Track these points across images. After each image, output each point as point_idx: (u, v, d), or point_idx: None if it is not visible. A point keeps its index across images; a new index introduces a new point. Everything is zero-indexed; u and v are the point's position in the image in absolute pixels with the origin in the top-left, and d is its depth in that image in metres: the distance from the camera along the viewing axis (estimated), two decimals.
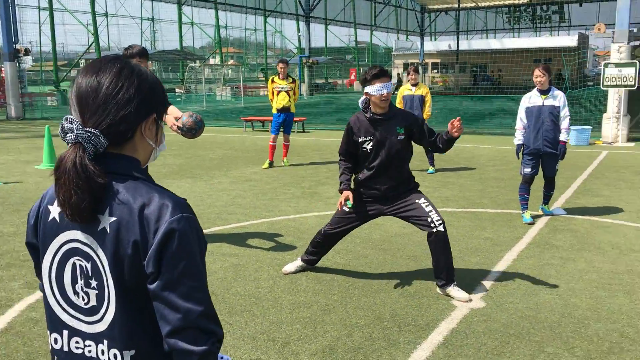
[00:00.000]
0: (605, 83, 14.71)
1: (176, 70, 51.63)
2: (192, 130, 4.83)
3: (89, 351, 1.48)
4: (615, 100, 14.95)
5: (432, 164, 10.61)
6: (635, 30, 16.60)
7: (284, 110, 11.08)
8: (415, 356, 3.77)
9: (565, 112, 6.94)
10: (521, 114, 7.10)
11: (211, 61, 50.40)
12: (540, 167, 7.16)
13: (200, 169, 11.15)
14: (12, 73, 22.49)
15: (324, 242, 5.15)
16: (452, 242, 4.82)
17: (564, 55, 25.33)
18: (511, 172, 10.30)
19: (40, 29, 49.60)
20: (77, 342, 1.49)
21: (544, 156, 7.06)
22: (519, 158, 7.26)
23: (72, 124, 1.40)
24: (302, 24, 40.78)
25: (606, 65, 14.78)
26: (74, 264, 1.46)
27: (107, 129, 1.41)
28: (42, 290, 1.55)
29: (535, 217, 7.19)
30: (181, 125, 4.81)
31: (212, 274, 5.20)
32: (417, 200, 4.77)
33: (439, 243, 4.66)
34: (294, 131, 15.94)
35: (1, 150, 14.05)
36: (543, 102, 6.94)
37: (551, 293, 4.82)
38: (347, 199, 4.79)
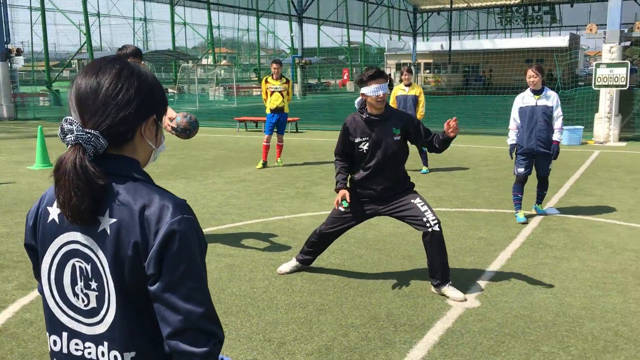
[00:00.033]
0: (597, 83, 14.79)
1: (169, 71, 51.51)
2: (186, 131, 4.82)
3: (89, 353, 1.47)
4: (606, 100, 15.04)
5: (425, 164, 10.63)
6: (626, 30, 16.68)
7: (278, 110, 11.07)
8: (411, 356, 3.78)
9: (558, 112, 6.98)
10: (514, 114, 7.12)
11: (204, 61, 50.27)
12: (533, 167, 7.20)
13: (194, 169, 11.13)
14: (3, 73, 22.37)
15: (319, 241, 5.16)
16: (446, 242, 4.83)
17: (555, 56, 25.41)
18: (504, 172, 10.34)
19: (32, 29, 49.47)
20: (76, 344, 1.48)
21: (538, 156, 7.10)
22: (512, 158, 7.29)
23: (71, 125, 1.39)
24: (294, 24, 40.79)
25: (598, 66, 14.86)
26: (73, 266, 1.45)
27: (107, 130, 1.41)
28: (41, 292, 1.53)
29: (528, 217, 7.23)
30: (175, 126, 4.80)
31: (207, 275, 5.17)
32: (412, 201, 4.78)
33: (435, 243, 4.67)
34: (287, 131, 15.99)
35: None
36: (536, 102, 6.97)
37: (545, 292, 4.84)
38: (343, 198, 4.79)
